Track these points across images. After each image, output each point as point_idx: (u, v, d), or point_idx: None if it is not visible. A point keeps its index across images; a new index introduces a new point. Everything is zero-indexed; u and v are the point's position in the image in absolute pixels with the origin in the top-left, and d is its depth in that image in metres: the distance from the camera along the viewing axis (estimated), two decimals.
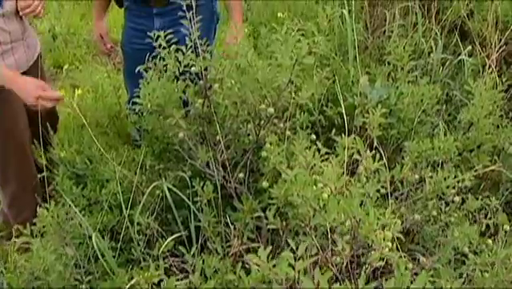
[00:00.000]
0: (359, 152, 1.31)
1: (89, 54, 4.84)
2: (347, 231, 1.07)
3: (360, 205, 1.23)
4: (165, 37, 1.62)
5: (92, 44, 5.00)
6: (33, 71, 2.17)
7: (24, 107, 2.12)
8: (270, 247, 1.17)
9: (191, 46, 1.56)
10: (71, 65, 4.49)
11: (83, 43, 4.97)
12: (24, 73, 2.13)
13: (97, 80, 3.92)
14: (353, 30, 2.73)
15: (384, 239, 1.11)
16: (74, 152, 2.42)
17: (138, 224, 1.64)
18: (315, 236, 1.18)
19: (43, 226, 1.50)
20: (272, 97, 1.53)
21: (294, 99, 1.64)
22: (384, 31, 3.15)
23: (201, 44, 1.55)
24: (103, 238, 1.86)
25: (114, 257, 1.82)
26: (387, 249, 1.12)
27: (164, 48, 1.62)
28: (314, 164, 1.23)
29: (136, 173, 1.90)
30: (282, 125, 1.70)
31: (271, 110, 1.54)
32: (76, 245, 1.67)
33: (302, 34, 2.66)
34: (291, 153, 1.56)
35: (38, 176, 2.27)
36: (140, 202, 1.77)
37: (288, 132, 1.58)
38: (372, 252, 1.14)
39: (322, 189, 1.15)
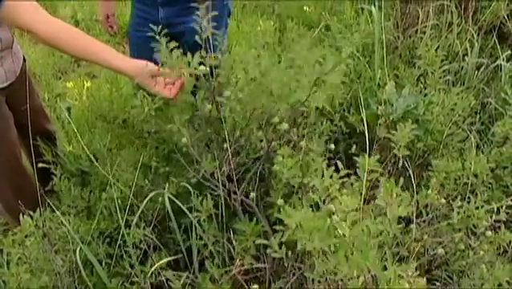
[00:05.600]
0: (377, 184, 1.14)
1: (111, 42, 4.73)
2: (361, 286, 0.91)
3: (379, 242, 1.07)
4: (168, 29, 1.46)
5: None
6: (20, 79, 2.04)
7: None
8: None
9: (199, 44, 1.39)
10: None
11: (106, 31, 4.85)
12: (12, 83, 1.98)
13: None
14: (382, 28, 2.54)
15: None
16: (82, 147, 2.30)
17: (133, 236, 1.51)
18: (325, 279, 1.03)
19: (25, 236, 1.37)
20: (286, 111, 1.36)
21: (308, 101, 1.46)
22: (416, 31, 2.94)
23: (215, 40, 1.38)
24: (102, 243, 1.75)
25: (109, 265, 1.71)
26: None
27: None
28: (332, 190, 1.07)
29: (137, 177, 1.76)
30: (296, 131, 1.53)
31: (286, 125, 1.37)
32: (67, 252, 1.55)
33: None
34: (306, 165, 1.40)
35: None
36: (140, 208, 1.65)
37: (303, 144, 1.42)
38: None
39: (336, 223, 0.99)
